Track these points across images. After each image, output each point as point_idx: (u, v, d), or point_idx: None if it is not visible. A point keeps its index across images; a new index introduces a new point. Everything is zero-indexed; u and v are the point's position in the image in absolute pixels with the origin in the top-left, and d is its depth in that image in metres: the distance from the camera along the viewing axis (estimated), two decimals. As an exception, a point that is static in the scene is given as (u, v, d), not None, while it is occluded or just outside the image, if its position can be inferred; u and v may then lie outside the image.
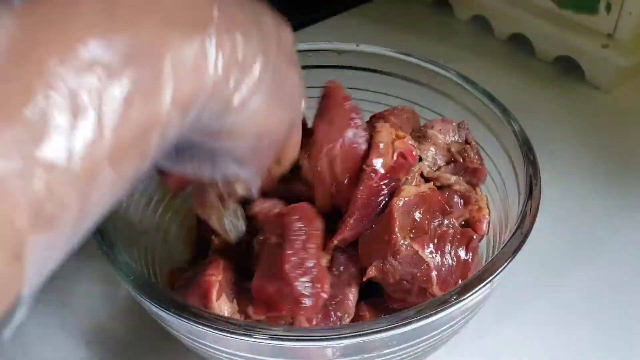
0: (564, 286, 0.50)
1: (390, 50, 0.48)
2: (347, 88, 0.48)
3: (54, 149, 0.20)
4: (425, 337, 0.33)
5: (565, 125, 0.66)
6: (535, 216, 0.36)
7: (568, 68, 0.72)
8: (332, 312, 0.36)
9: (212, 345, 0.34)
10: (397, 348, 0.34)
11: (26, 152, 0.20)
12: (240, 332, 0.30)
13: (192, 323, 0.31)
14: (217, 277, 0.36)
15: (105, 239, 0.36)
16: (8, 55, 0.20)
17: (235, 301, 0.37)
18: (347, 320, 0.37)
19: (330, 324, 0.36)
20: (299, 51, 0.48)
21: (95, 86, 0.21)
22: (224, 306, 0.36)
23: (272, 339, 0.30)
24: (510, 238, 0.35)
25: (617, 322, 0.47)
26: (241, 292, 0.38)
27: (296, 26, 0.80)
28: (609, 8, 0.67)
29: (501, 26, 0.77)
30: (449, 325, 0.34)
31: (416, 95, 0.47)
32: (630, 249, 0.53)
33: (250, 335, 0.30)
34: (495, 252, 0.35)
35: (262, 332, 0.30)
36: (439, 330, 0.34)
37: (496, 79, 0.71)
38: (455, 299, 0.32)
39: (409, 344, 0.33)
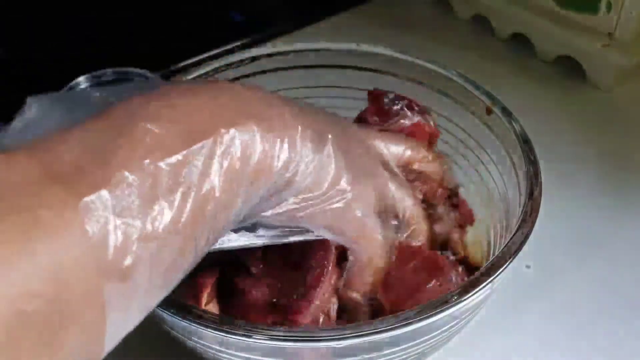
0: (565, 286, 0.49)
1: (391, 49, 0.48)
2: (348, 88, 0.48)
3: (128, 224, 0.23)
4: (425, 338, 0.33)
5: (566, 125, 0.66)
6: (536, 217, 0.36)
7: (568, 68, 0.72)
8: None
9: (212, 345, 0.34)
10: (397, 348, 0.34)
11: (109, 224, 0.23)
12: (239, 332, 0.30)
13: (191, 323, 0.31)
14: (211, 280, 0.36)
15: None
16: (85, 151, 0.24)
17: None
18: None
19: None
20: (298, 51, 0.48)
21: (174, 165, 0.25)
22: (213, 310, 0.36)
23: (272, 339, 0.30)
24: (512, 238, 0.35)
25: (619, 323, 0.47)
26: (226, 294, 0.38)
27: (296, 26, 0.81)
28: (609, 8, 0.67)
29: (501, 26, 0.77)
30: (449, 325, 0.34)
31: (416, 95, 0.47)
32: (632, 249, 0.53)
33: (249, 336, 0.30)
34: (496, 253, 0.35)
35: (261, 332, 0.30)
36: (439, 331, 0.34)
37: (496, 78, 0.71)
38: (455, 300, 0.32)
39: (410, 344, 0.33)
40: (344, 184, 0.33)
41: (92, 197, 0.22)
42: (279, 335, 0.30)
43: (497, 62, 0.75)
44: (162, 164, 0.25)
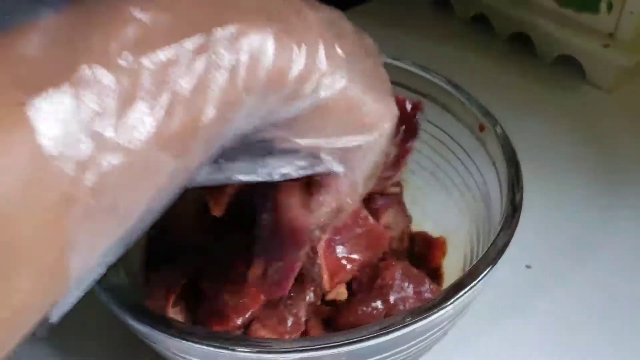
0: (565, 285, 0.49)
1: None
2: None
3: (97, 131, 0.19)
4: (409, 345, 0.33)
5: (566, 125, 0.65)
6: (517, 218, 0.35)
7: (569, 67, 0.71)
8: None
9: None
10: (384, 355, 0.34)
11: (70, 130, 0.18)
12: (227, 345, 0.30)
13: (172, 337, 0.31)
14: (179, 284, 0.36)
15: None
16: (50, 41, 0.19)
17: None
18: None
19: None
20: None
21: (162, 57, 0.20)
22: (178, 315, 0.36)
23: (260, 352, 0.30)
24: (494, 241, 0.35)
25: (619, 322, 0.47)
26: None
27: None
28: (610, 7, 0.67)
29: (502, 25, 0.77)
30: (432, 332, 0.34)
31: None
32: (632, 248, 0.52)
33: (233, 349, 0.30)
34: (477, 258, 0.35)
35: (247, 345, 0.30)
36: (423, 337, 0.33)
37: (497, 78, 0.71)
38: (436, 306, 0.32)
39: (395, 350, 0.33)
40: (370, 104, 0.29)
41: (48, 97, 0.18)
42: (265, 348, 0.30)
43: (498, 62, 0.74)
44: (146, 61, 0.20)
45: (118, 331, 0.40)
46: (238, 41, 0.22)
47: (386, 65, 0.47)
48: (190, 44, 0.21)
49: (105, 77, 0.19)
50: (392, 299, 0.37)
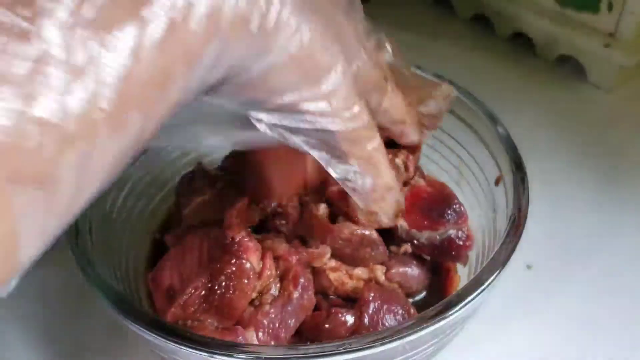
0: (566, 286, 0.49)
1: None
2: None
3: (48, 101, 0.18)
4: (411, 353, 0.33)
5: (567, 125, 0.65)
6: (523, 225, 0.35)
7: (569, 67, 0.71)
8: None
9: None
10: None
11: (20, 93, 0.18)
12: (221, 351, 0.30)
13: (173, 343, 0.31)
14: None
15: (82, 255, 0.36)
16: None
17: None
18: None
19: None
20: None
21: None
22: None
23: (256, 358, 0.30)
24: (500, 247, 0.35)
25: (620, 322, 0.47)
26: None
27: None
28: (610, 7, 0.66)
29: (502, 25, 0.76)
30: (435, 340, 0.34)
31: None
32: (633, 249, 0.52)
33: (231, 355, 0.30)
34: (484, 263, 0.35)
35: (245, 351, 0.30)
36: (425, 346, 0.34)
37: (497, 78, 0.71)
38: (444, 312, 0.32)
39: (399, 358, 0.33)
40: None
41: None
42: (262, 355, 0.30)
43: (498, 61, 0.74)
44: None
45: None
46: None
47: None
48: None
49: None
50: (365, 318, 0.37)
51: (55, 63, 0.18)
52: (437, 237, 0.39)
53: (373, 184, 0.32)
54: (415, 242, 0.39)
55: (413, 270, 0.41)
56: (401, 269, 0.40)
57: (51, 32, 0.18)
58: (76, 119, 0.18)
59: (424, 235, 0.39)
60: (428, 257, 0.41)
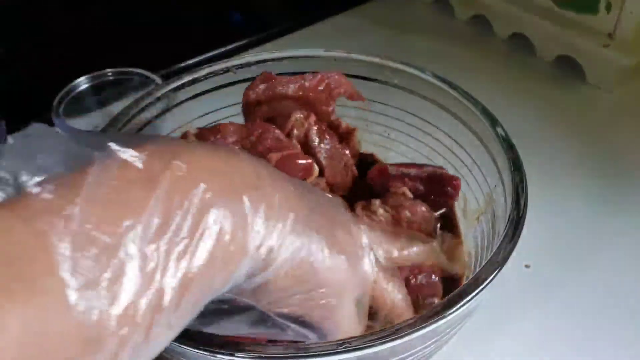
0: (564, 285, 0.50)
1: (371, 56, 0.48)
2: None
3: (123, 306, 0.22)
4: (411, 352, 0.33)
5: (566, 125, 0.65)
6: (522, 225, 0.36)
7: (568, 68, 0.72)
8: None
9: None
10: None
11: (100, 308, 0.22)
12: (223, 351, 0.30)
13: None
14: None
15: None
16: (95, 216, 0.23)
17: None
18: None
19: None
20: (292, 57, 0.48)
21: (163, 248, 0.24)
22: None
23: (256, 357, 0.30)
24: (498, 247, 0.35)
25: (619, 322, 0.47)
26: None
27: (296, 26, 0.81)
28: (609, 7, 0.67)
29: (501, 26, 0.77)
30: (434, 339, 0.34)
31: (404, 102, 0.47)
32: (632, 248, 0.53)
33: (232, 354, 0.30)
34: (483, 262, 0.35)
35: (245, 350, 0.30)
36: (425, 345, 0.34)
37: (496, 78, 0.71)
38: (442, 312, 0.32)
39: (396, 358, 0.33)
40: (325, 273, 0.32)
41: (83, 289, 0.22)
42: (262, 354, 0.30)
43: (497, 62, 0.74)
44: (157, 244, 0.24)
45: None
46: (217, 218, 0.26)
47: (388, 68, 0.47)
48: (189, 233, 0.25)
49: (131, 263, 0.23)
50: None
51: (132, 270, 0.23)
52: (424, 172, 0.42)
53: None
54: (407, 179, 0.42)
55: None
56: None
57: (131, 247, 0.23)
58: (142, 314, 0.23)
59: (412, 171, 0.42)
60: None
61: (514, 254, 0.35)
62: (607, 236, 0.54)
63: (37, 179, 0.24)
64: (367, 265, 0.35)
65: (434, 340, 0.34)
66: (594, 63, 0.69)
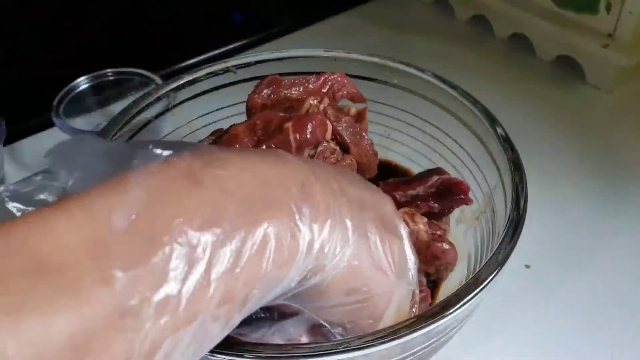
0: (564, 285, 0.50)
1: (371, 56, 0.48)
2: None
3: (168, 292, 0.22)
4: (410, 352, 0.33)
5: (565, 125, 0.65)
6: (522, 225, 0.36)
7: (568, 68, 0.72)
8: None
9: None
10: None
11: (144, 294, 0.22)
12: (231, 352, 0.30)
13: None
14: None
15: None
16: (143, 210, 0.23)
17: None
18: None
19: None
20: (292, 57, 0.48)
21: (210, 242, 0.24)
22: None
23: (256, 357, 0.30)
24: (498, 247, 0.35)
25: (618, 322, 0.47)
26: None
27: (296, 26, 0.81)
28: (609, 8, 0.67)
29: (501, 26, 0.77)
30: (433, 340, 0.34)
31: (404, 102, 0.47)
32: (631, 248, 0.53)
33: (232, 355, 0.30)
34: (483, 263, 0.35)
35: (245, 350, 0.30)
36: (424, 345, 0.34)
37: (496, 78, 0.71)
38: (442, 312, 0.32)
39: (396, 358, 0.33)
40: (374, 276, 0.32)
41: (131, 273, 0.22)
42: (264, 354, 0.30)
43: (497, 62, 0.75)
44: (210, 241, 0.24)
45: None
46: (269, 231, 0.26)
47: (388, 68, 0.47)
48: (239, 234, 0.25)
49: (178, 253, 0.23)
50: None
51: (178, 260, 0.23)
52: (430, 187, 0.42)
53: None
54: (419, 202, 0.41)
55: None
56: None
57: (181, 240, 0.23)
58: (185, 305, 0.23)
59: (419, 191, 0.41)
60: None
61: (513, 254, 0.35)
62: (607, 236, 0.54)
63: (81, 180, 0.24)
64: (413, 270, 0.35)
65: (433, 340, 0.34)
66: (594, 63, 0.69)
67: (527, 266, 0.51)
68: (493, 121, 0.42)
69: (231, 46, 0.79)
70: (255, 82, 0.47)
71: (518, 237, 0.35)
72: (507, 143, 0.40)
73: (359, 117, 0.46)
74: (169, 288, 0.22)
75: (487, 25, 0.78)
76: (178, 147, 0.27)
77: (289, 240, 0.27)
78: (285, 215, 0.27)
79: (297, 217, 0.28)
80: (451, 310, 0.32)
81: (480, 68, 0.73)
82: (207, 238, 0.24)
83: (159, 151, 0.26)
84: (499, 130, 0.41)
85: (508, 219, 0.36)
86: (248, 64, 0.49)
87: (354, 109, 0.46)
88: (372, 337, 0.31)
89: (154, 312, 0.22)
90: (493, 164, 0.41)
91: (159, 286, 0.22)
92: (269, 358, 0.30)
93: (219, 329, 0.25)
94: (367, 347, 0.30)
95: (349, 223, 0.30)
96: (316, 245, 0.28)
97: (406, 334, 0.31)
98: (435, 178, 0.42)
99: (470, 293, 0.32)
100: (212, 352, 0.30)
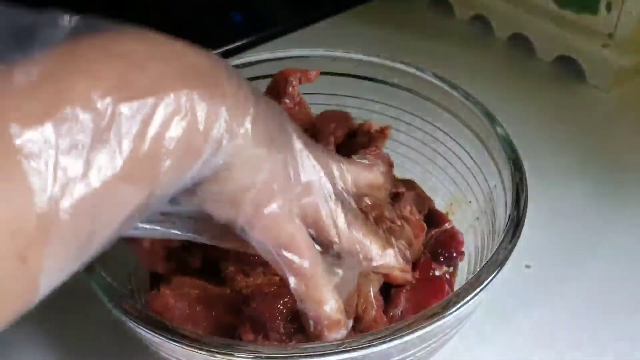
0: (565, 285, 0.50)
1: (371, 56, 0.48)
2: (338, 95, 0.48)
3: (73, 164, 0.22)
4: (410, 352, 0.33)
5: (566, 125, 0.65)
6: (522, 225, 0.36)
7: (568, 68, 0.72)
8: None
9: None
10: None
11: (50, 161, 0.21)
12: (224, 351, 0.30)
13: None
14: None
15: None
16: (48, 71, 0.22)
17: None
18: None
19: None
20: (292, 58, 0.48)
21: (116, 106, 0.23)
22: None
23: (255, 357, 0.30)
24: (499, 247, 0.35)
25: (620, 322, 0.47)
26: None
27: (296, 26, 0.81)
28: (609, 7, 0.67)
29: (501, 26, 0.77)
30: (433, 340, 0.34)
31: (403, 102, 0.47)
32: (632, 248, 0.53)
33: (231, 354, 0.30)
34: (483, 262, 0.35)
35: (245, 350, 0.30)
36: (424, 345, 0.34)
37: (496, 78, 0.71)
38: (442, 312, 0.32)
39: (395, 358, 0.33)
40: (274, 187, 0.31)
41: (34, 130, 0.21)
42: (262, 354, 0.30)
43: (497, 62, 0.75)
44: (120, 107, 0.23)
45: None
46: (192, 106, 0.26)
47: (387, 68, 0.47)
48: (151, 100, 0.24)
49: (84, 117, 0.22)
50: None
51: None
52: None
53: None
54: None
55: None
56: None
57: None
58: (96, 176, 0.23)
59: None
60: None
61: (514, 254, 0.35)
62: (608, 236, 0.54)
63: None
64: (315, 179, 0.33)
65: (433, 340, 0.34)
66: (594, 63, 0.69)
67: (528, 266, 0.51)
68: (493, 121, 0.42)
69: (231, 46, 0.79)
70: (255, 82, 0.48)
71: (518, 237, 0.35)
72: (507, 143, 0.40)
73: (381, 134, 0.45)
74: (74, 160, 0.22)
75: (487, 25, 0.78)
76: (90, 24, 0.26)
77: (205, 113, 0.26)
78: (203, 89, 0.26)
79: (218, 95, 0.27)
80: (451, 310, 0.32)
81: (480, 68, 0.73)
82: (132, 105, 0.23)
83: (65, 23, 0.25)
84: (499, 130, 0.41)
85: (508, 219, 0.36)
86: (248, 64, 0.49)
87: (375, 124, 0.46)
88: (372, 337, 0.31)
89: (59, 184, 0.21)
90: (493, 164, 0.41)
91: (62, 150, 0.21)
92: (268, 358, 0.30)
93: (135, 193, 0.24)
94: (367, 347, 0.30)
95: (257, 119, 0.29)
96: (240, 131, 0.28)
97: (406, 334, 0.31)
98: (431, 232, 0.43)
99: (470, 293, 0.33)
100: (211, 352, 0.30)
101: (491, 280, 0.33)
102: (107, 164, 0.23)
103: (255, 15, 0.86)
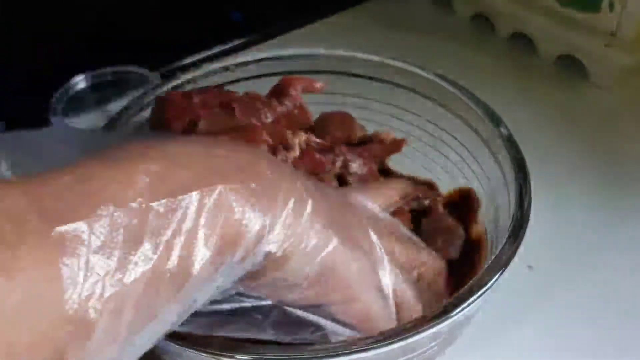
0: (567, 286, 0.49)
1: (372, 55, 0.48)
2: (338, 94, 0.48)
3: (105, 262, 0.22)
4: (413, 354, 0.33)
5: (568, 125, 0.65)
6: (525, 226, 0.35)
7: (570, 67, 0.71)
8: None
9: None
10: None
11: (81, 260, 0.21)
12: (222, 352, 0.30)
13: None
14: None
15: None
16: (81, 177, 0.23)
17: None
18: None
19: None
20: (292, 56, 0.48)
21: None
22: None
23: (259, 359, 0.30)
24: (501, 248, 0.34)
25: (621, 323, 0.47)
26: None
27: (296, 25, 0.81)
28: (611, 6, 0.66)
29: (503, 24, 0.76)
30: (436, 342, 0.34)
31: (405, 102, 0.47)
32: (634, 249, 0.52)
33: (233, 356, 0.30)
34: (487, 263, 0.35)
35: (247, 352, 0.30)
36: (427, 347, 0.33)
37: (498, 77, 0.71)
38: (445, 314, 0.31)
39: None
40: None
41: (68, 227, 0.21)
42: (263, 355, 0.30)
43: (498, 61, 0.74)
44: (153, 205, 0.23)
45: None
46: (222, 201, 0.26)
47: (389, 67, 0.47)
48: (187, 199, 0.24)
49: (118, 215, 0.22)
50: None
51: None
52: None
53: None
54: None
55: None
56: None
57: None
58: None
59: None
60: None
61: (517, 255, 0.35)
62: (610, 236, 0.53)
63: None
64: (380, 256, 0.34)
65: (436, 342, 0.34)
66: (597, 62, 0.69)
67: (530, 267, 0.51)
68: (496, 121, 0.41)
69: (230, 44, 0.79)
70: (254, 81, 0.47)
71: (522, 238, 0.35)
72: (510, 143, 0.40)
73: (396, 146, 0.45)
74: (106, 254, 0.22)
75: (489, 24, 0.78)
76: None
77: (241, 213, 0.26)
78: (239, 184, 0.26)
79: (252, 188, 0.27)
80: (454, 312, 0.32)
81: (481, 67, 0.73)
82: (163, 203, 0.24)
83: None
84: (503, 130, 0.41)
85: (511, 219, 0.36)
86: (247, 63, 0.49)
87: (391, 135, 0.46)
88: (375, 339, 0.30)
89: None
90: (496, 164, 0.41)
91: (95, 249, 0.22)
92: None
93: (164, 298, 0.24)
94: (370, 349, 0.30)
95: (316, 212, 0.29)
96: (272, 231, 0.27)
97: (409, 336, 0.31)
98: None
99: (473, 295, 0.32)
100: (212, 353, 0.30)
101: (494, 281, 0.33)
102: (141, 262, 0.23)
103: (254, 14, 0.86)
